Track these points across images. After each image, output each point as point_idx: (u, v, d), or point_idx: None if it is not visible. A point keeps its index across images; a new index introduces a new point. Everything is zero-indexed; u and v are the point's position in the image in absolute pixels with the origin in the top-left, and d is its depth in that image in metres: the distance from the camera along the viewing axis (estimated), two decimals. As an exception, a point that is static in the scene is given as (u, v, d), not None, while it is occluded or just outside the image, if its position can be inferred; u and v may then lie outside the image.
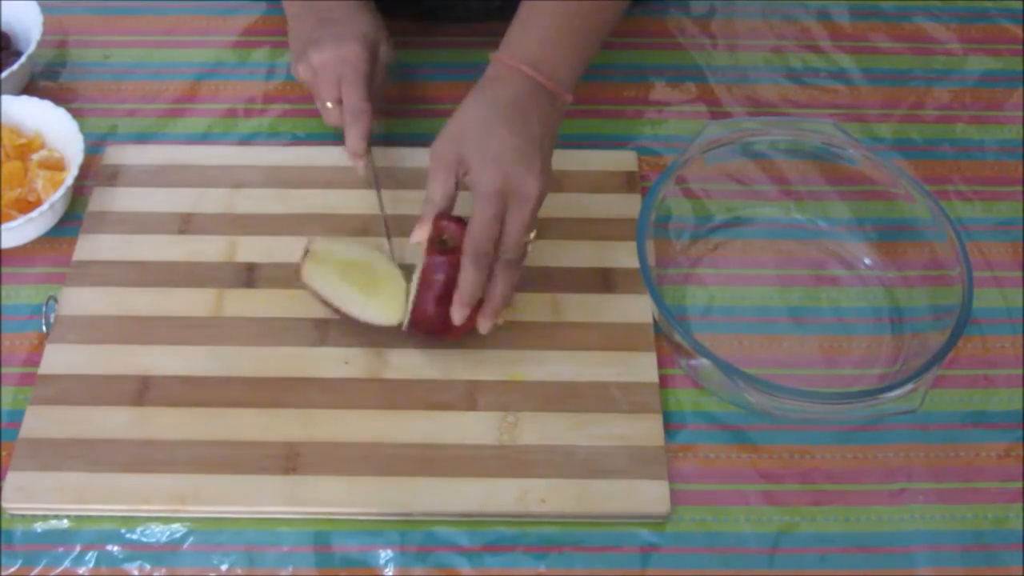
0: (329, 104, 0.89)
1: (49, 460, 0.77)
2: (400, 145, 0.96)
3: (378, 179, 0.91)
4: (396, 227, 0.89)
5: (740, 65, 1.05)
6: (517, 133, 0.79)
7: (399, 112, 1.00)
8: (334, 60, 0.88)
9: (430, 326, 0.81)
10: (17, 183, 0.89)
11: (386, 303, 0.82)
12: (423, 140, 0.96)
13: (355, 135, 0.88)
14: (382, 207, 0.90)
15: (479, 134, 0.79)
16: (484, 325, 0.79)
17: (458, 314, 0.78)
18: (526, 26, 0.83)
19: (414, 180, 0.92)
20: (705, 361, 0.77)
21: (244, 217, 0.91)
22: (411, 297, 0.81)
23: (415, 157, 0.94)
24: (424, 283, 0.79)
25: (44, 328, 0.85)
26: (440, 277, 0.79)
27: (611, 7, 0.85)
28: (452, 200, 0.80)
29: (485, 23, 1.04)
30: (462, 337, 0.82)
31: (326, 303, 0.83)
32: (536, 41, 0.82)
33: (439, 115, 0.99)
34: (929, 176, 0.96)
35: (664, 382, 0.83)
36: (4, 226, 0.85)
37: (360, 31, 0.89)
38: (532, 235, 0.80)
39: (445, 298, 0.78)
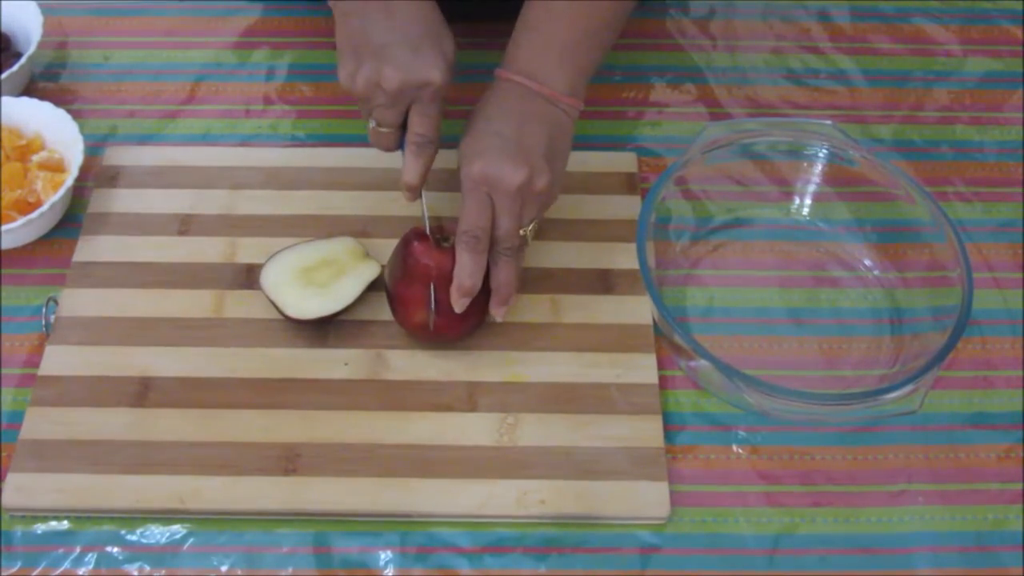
0: (384, 129, 0.80)
1: (49, 461, 0.77)
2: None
3: (428, 218, 0.83)
4: (377, 228, 0.89)
5: (740, 66, 1.06)
6: (499, 133, 0.79)
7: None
8: (414, 82, 0.76)
9: (429, 327, 0.81)
10: (17, 184, 0.89)
11: (322, 297, 0.83)
12: None
13: (417, 168, 0.80)
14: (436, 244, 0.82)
15: (468, 137, 0.80)
16: (498, 313, 0.80)
17: (458, 303, 0.78)
18: (517, 38, 0.83)
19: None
20: (705, 362, 0.77)
21: (244, 218, 0.91)
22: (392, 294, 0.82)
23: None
24: (421, 283, 0.80)
25: (44, 329, 0.85)
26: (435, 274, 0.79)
27: (603, 8, 0.84)
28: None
29: (487, 24, 1.05)
30: (461, 339, 0.83)
31: (273, 304, 0.84)
32: (528, 51, 0.82)
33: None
34: (929, 177, 0.96)
35: (664, 383, 0.83)
36: (4, 227, 0.85)
37: (444, 53, 0.78)
38: (531, 227, 0.80)
39: (442, 299, 0.79)
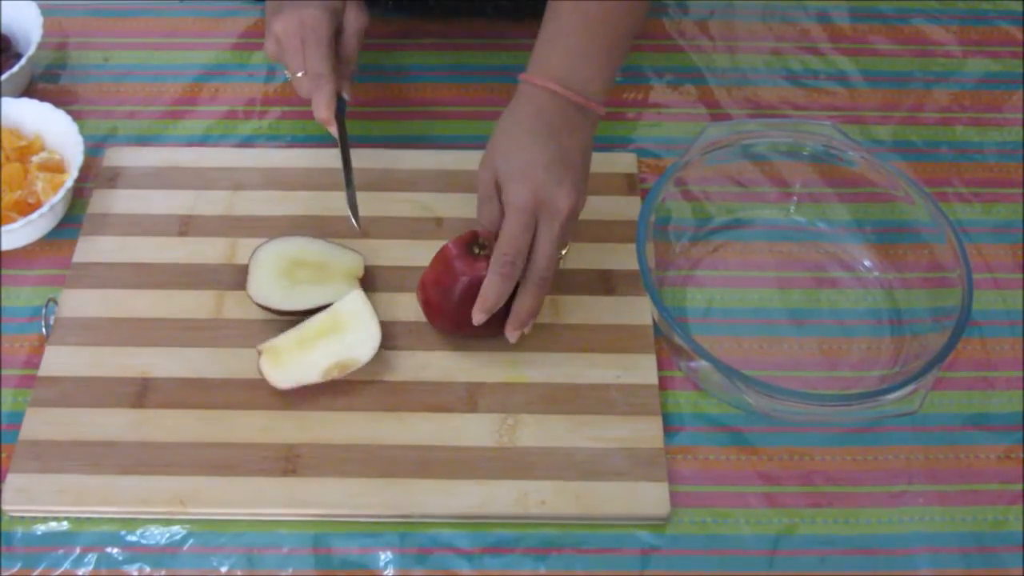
0: (299, 74, 0.87)
1: (49, 462, 0.77)
2: (394, 147, 0.96)
3: (346, 139, 0.90)
4: (377, 229, 0.90)
5: (739, 67, 1.06)
6: (546, 148, 0.79)
7: (392, 115, 1.00)
8: (295, 25, 0.86)
9: (452, 323, 0.82)
10: (17, 185, 0.89)
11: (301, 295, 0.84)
12: (416, 143, 0.97)
13: (319, 101, 0.86)
14: (346, 162, 0.89)
15: (509, 151, 0.80)
16: (512, 336, 0.81)
17: (478, 317, 0.79)
18: (551, 43, 0.82)
19: (408, 183, 0.93)
20: (704, 363, 0.77)
21: (244, 219, 0.91)
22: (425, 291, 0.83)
23: (407, 159, 0.95)
24: (451, 280, 0.80)
25: (44, 330, 0.85)
26: (465, 279, 0.79)
27: (634, 12, 0.84)
28: (500, 223, 0.81)
29: (482, 23, 1.05)
30: (480, 338, 0.83)
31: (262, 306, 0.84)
32: (562, 57, 0.81)
33: (434, 117, 1.00)
34: (928, 178, 0.96)
35: (664, 384, 0.83)
36: (4, 228, 0.85)
37: None
38: (565, 250, 0.82)
39: (468, 299, 0.79)
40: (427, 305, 0.83)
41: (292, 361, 0.80)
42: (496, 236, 0.79)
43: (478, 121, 0.99)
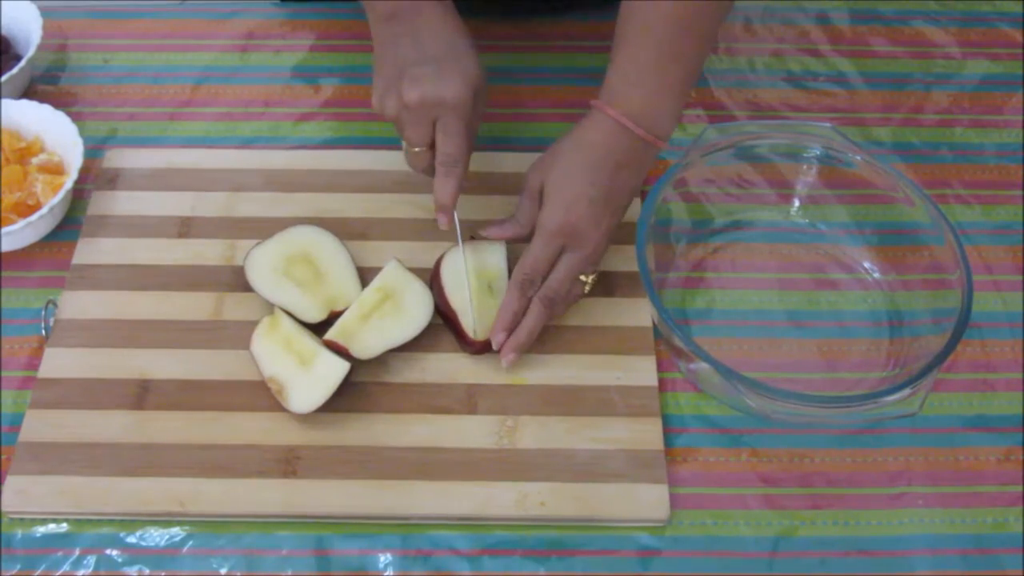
0: (417, 148, 0.81)
1: (49, 464, 0.77)
2: (394, 148, 0.96)
3: (461, 235, 0.84)
4: (377, 230, 0.90)
5: (740, 69, 1.06)
6: (596, 183, 0.80)
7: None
8: (432, 101, 0.78)
9: (479, 348, 0.83)
10: (17, 187, 0.89)
11: (318, 302, 0.84)
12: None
13: (447, 189, 0.80)
14: (467, 273, 0.84)
15: (563, 175, 0.81)
16: (507, 359, 0.81)
17: (499, 337, 0.80)
18: (627, 76, 0.80)
19: (407, 184, 0.92)
20: (704, 365, 0.77)
21: (243, 220, 0.91)
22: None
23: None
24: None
25: (44, 332, 0.85)
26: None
27: (706, 43, 0.81)
28: (534, 224, 0.83)
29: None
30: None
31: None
32: (637, 93, 0.79)
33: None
34: (928, 180, 0.96)
35: (664, 386, 0.83)
36: (4, 230, 0.85)
37: (464, 71, 0.79)
38: (592, 276, 0.83)
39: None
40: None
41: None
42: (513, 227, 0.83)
43: (486, 123, 0.99)
